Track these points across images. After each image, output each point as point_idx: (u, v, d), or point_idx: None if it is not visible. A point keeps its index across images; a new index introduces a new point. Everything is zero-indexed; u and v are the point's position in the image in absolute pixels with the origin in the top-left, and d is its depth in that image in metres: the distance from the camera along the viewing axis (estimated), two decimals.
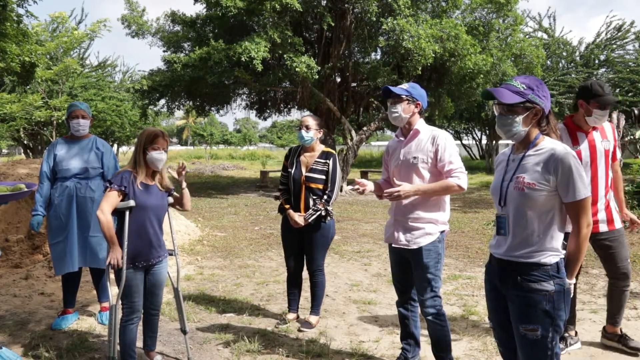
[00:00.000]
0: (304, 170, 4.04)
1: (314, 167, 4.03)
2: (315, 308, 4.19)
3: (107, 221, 3.04)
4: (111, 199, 3.09)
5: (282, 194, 4.16)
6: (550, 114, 2.30)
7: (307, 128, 4.02)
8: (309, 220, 3.95)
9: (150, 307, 3.34)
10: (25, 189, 3.55)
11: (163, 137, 3.24)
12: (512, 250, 2.25)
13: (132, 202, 3.10)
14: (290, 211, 4.03)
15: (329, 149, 4.16)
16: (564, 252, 2.22)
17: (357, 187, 3.08)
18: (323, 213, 3.98)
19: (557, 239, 2.21)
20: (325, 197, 4.00)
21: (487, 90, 2.26)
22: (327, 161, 4.05)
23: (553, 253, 2.19)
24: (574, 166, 2.13)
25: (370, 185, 3.11)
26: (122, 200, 3.11)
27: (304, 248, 4.14)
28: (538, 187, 2.17)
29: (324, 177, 4.03)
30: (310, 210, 3.98)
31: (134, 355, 3.19)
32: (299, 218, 3.97)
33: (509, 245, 2.26)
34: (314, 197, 4.00)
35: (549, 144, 2.22)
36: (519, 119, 2.23)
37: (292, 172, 4.07)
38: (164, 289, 3.44)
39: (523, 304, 2.21)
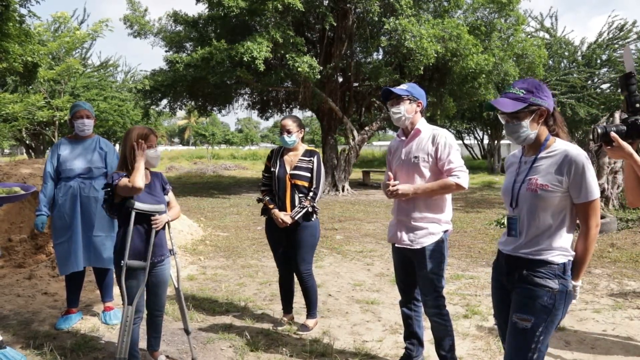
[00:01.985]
0: (288, 168, 4.01)
1: (298, 164, 4.00)
2: (311, 311, 4.16)
3: (139, 182, 2.99)
4: (125, 181, 3.03)
5: (265, 194, 4.10)
6: (555, 112, 2.31)
7: (289, 132, 3.98)
8: (296, 218, 3.91)
9: (154, 308, 3.34)
10: (21, 192, 3.54)
11: (154, 134, 3.22)
12: (521, 248, 2.27)
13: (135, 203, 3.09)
14: (275, 210, 3.96)
15: (312, 148, 4.16)
16: (573, 253, 2.23)
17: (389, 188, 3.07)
18: (310, 210, 3.95)
19: (567, 239, 2.22)
20: (311, 194, 3.97)
21: (488, 103, 2.30)
22: (312, 159, 4.03)
23: (562, 253, 2.20)
24: (586, 167, 2.15)
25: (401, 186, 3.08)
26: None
27: (291, 249, 4.06)
28: (551, 189, 2.19)
29: (309, 174, 4.00)
30: (297, 208, 3.93)
31: (137, 355, 3.20)
32: (285, 216, 3.92)
33: (519, 243, 2.28)
34: (300, 195, 3.97)
35: (562, 146, 2.23)
36: (526, 123, 2.24)
37: (276, 171, 4.02)
38: (167, 289, 3.44)
39: (524, 296, 2.23)
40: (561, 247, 2.21)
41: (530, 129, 2.25)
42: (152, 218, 3.13)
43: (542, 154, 2.26)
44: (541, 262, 2.21)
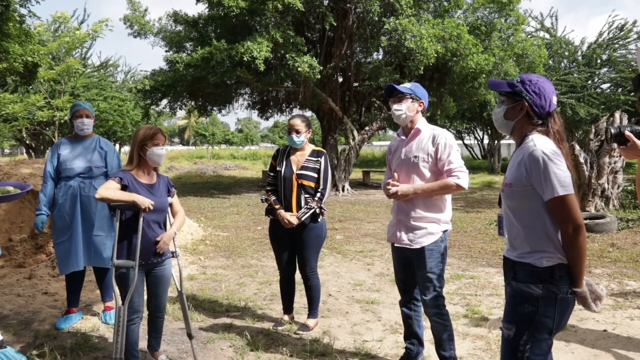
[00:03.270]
0: (295, 168, 3.95)
1: (305, 164, 3.94)
2: (312, 311, 4.13)
3: (107, 193, 2.99)
4: (108, 184, 3.06)
5: (271, 194, 4.04)
6: (552, 116, 2.18)
7: (298, 132, 3.92)
8: (302, 219, 3.86)
9: (154, 309, 3.32)
10: (17, 191, 3.53)
11: (162, 133, 3.20)
12: (510, 250, 2.23)
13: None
14: (281, 211, 3.90)
15: (319, 148, 4.11)
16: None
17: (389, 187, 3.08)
18: (317, 211, 3.91)
19: (553, 240, 2.07)
20: (318, 194, 3.92)
21: (488, 82, 2.30)
22: (319, 159, 3.98)
23: (547, 256, 2.06)
24: (543, 163, 2.01)
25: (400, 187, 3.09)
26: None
27: (296, 250, 4.03)
28: (515, 187, 2.11)
29: (316, 175, 3.94)
30: (303, 208, 3.87)
31: (137, 355, 3.19)
32: (291, 217, 3.86)
33: (508, 244, 2.26)
34: (306, 196, 3.91)
35: (529, 142, 2.10)
36: (504, 108, 2.22)
37: (282, 170, 3.96)
38: (168, 290, 3.42)
39: (508, 302, 2.17)
40: (545, 250, 2.06)
41: (504, 115, 2.22)
42: (157, 239, 3.14)
43: (517, 151, 2.19)
44: (524, 266, 2.10)
